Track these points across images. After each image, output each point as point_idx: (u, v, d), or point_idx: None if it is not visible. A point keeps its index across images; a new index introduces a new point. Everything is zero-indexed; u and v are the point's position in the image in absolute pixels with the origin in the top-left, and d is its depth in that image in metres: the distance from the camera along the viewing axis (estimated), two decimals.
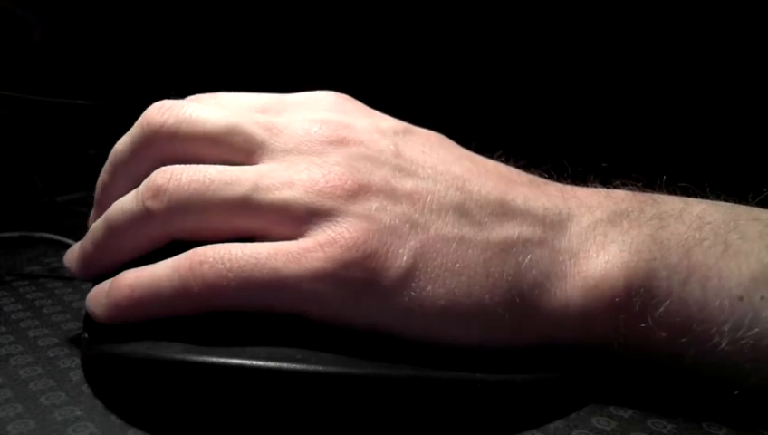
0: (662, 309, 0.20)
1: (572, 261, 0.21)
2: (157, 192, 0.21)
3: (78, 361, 0.23)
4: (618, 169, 0.24)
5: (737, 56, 0.36)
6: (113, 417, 0.19)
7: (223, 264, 0.19)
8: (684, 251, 0.20)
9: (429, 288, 0.20)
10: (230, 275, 0.19)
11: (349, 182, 0.20)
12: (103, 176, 0.24)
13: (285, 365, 0.18)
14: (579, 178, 0.24)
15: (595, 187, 0.24)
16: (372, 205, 0.20)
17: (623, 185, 0.24)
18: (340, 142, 0.22)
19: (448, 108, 0.44)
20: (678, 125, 0.39)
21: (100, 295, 0.21)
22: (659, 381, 0.21)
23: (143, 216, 0.21)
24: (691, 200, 0.22)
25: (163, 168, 0.21)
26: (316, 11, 0.50)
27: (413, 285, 0.20)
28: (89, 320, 0.21)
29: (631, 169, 0.24)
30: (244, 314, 0.20)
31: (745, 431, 0.20)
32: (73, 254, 0.24)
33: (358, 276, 0.19)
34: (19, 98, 0.40)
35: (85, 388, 0.21)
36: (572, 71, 0.42)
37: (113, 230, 0.22)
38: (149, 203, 0.21)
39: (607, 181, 0.24)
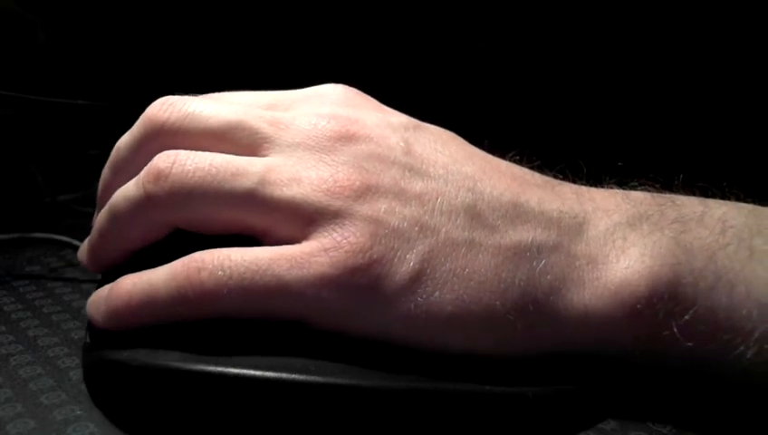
0: (687, 317, 0.19)
1: (590, 266, 0.20)
2: (158, 177, 0.20)
3: (78, 360, 0.23)
4: (633, 168, 0.23)
5: (757, 55, 0.36)
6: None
7: (223, 271, 0.19)
8: (708, 256, 0.20)
9: (437, 294, 0.19)
10: (230, 282, 0.19)
11: (357, 182, 0.20)
12: (105, 173, 0.24)
13: (285, 376, 0.18)
14: (594, 179, 0.24)
15: (611, 188, 0.23)
16: (381, 206, 0.20)
17: (640, 185, 0.23)
18: (350, 138, 0.21)
19: (458, 105, 0.44)
20: (694, 123, 0.38)
21: (100, 301, 0.20)
22: (665, 386, 0.21)
23: (144, 201, 0.20)
24: (711, 202, 0.22)
25: (166, 152, 0.21)
26: (319, 8, 0.50)
27: (419, 291, 0.19)
28: (91, 324, 0.21)
29: (647, 168, 0.23)
30: (244, 319, 0.19)
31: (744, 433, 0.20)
32: (84, 248, 0.24)
33: (363, 283, 0.19)
34: (19, 98, 0.40)
35: (85, 387, 0.21)
36: (584, 69, 0.42)
37: (116, 218, 0.21)
38: (150, 187, 0.20)
39: (623, 182, 0.23)
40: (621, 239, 0.21)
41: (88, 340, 0.21)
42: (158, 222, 0.21)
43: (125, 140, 0.23)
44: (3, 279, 0.31)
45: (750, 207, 0.22)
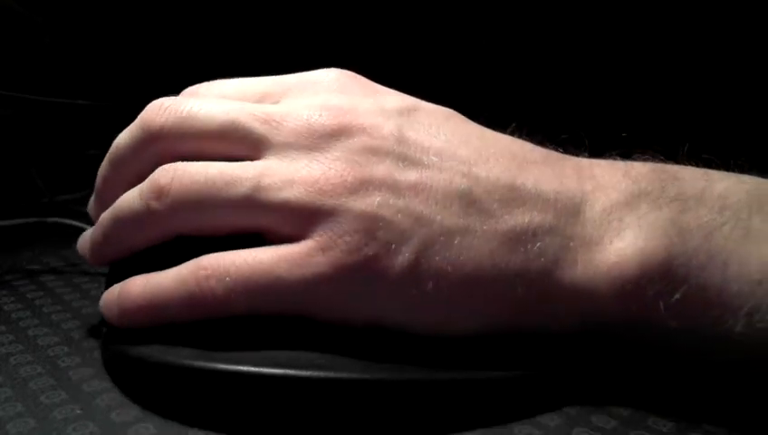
0: (678, 295, 0.20)
1: (584, 248, 0.20)
2: (160, 194, 0.21)
3: (78, 359, 0.23)
4: (638, 138, 0.23)
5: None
6: (113, 415, 0.19)
7: (229, 276, 0.20)
8: (704, 235, 0.20)
9: (431, 285, 0.20)
10: (236, 287, 0.20)
11: (350, 178, 0.20)
12: (104, 167, 0.24)
13: (292, 372, 0.19)
14: (597, 151, 0.23)
15: (614, 159, 0.23)
16: (374, 200, 0.20)
17: (643, 156, 0.23)
18: (342, 131, 0.21)
19: (456, 77, 0.43)
20: (701, 93, 0.37)
21: (112, 301, 0.22)
22: (660, 379, 0.21)
23: (147, 215, 0.21)
24: (714, 175, 0.22)
25: (165, 166, 0.21)
26: (319, 2, 0.50)
27: (415, 282, 0.20)
28: None
29: (652, 138, 0.23)
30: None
31: (745, 432, 0.20)
32: (85, 241, 0.25)
33: (359, 279, 0.20)
34: (19, 98, 0.40)
35: (85, 386, 0.21)
36: (583, 41, 0.41)
37: (119, 223, 0.22)
38: (153, 204, 0.21)
39: (627, 153, 0.23)
40: (617, 220, 0.21)
41: (105, 328, 0.23)
42: (162, 231, 0.22)
43: (123, 140, 0.23)
44: (3, 279, 0.31)
45: (753, 181, 0.22)
